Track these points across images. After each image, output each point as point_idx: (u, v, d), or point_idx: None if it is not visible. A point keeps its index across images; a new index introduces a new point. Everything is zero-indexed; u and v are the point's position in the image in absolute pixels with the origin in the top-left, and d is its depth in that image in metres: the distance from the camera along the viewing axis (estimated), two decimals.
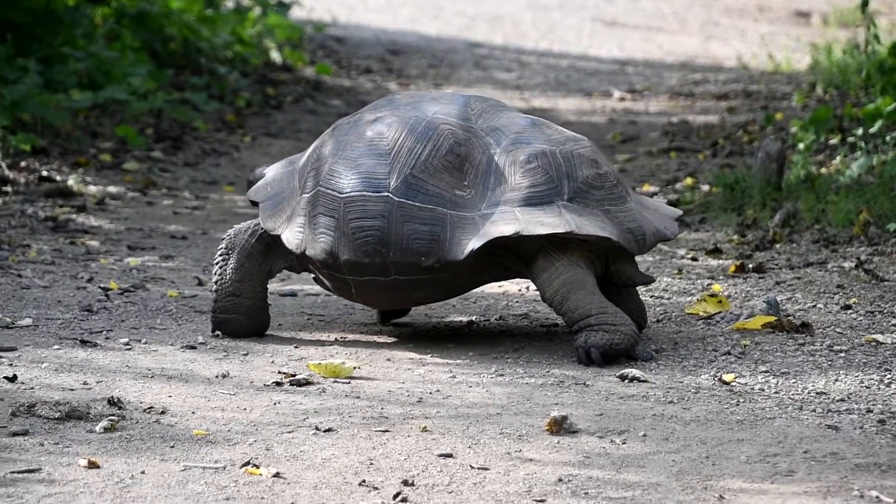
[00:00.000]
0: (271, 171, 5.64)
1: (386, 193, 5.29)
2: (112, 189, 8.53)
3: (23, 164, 8.64)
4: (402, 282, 5.32)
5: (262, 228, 5.52)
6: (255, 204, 5.64)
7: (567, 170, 5.31)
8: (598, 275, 5.36)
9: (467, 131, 5.36)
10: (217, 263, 5.56)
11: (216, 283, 5.55)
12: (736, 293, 6.22)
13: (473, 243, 5.21)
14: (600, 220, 5.28)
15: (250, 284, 5.53)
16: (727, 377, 5.05)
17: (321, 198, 5.38)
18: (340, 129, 5.47)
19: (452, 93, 5.54)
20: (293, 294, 6.33)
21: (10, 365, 5.11)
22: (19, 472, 4.10)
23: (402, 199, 5.28)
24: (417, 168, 5.30)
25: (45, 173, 8.54)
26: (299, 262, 5.52)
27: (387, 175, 5.31)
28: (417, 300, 5.45)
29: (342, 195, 5.33)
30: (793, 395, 4.89)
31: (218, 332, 5.57)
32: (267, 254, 5.55)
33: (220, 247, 5.58)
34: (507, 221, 5.22)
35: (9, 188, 8.14)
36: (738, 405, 4.78)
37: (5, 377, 4.92)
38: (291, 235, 5.42)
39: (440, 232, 5.25)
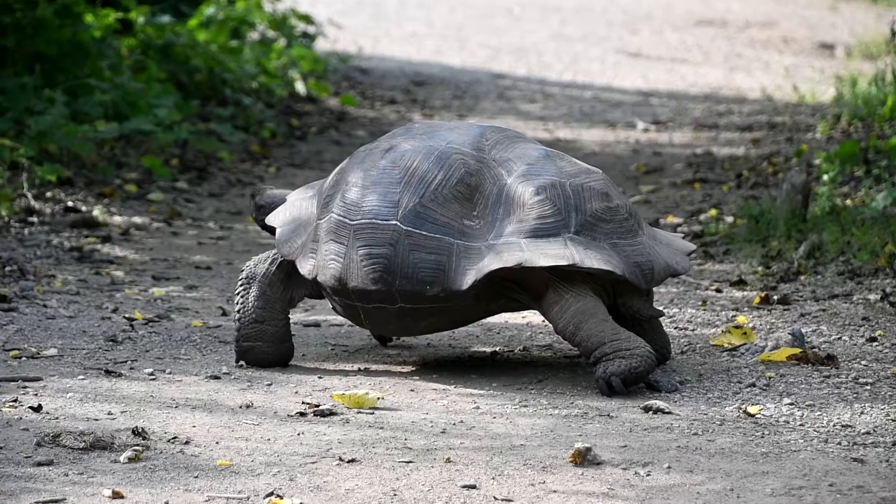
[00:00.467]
0: (291, 197, 5.69)
1: (394, 222, 5.32)
2: (137, 219, 8.55)
3: (48, 194, 8.68)
4: (408, 310, 5.34)
5: (280, 256, 5.55)
6: (267, 229, 5.69)
7: (576, 202, 5.32)
8: (606, 306, 5.34)
9: (479, 161, 5.38)
10: (238, 293, 5.58)
11: (238, 311, 5.57)
12: (761, 325, 6.21)
13: (476, 274, 5.23)
14: (606, 253, 5.27)
15: (273, 311, 5.55)
16: (752, 409, 5.03)
17: (333, 224, 5.41)
18: (356, 157, 5.51)
19: (471, 123, 5.56)
20: (317, 325, 6.34)
21: (36, 395, 5.12)
22: (44, 502, 4.10)
23: (409, 228, 5.31)
24: (427, 197, 5.32)
25: (70, 204, 8.57)
26: (314, 289, 5.56)
27: (396, 203, 5.33)
28: (425, 329, 5.47)
29: (352, 222, 5.37)
30: (818, 427, 4.87)
31: (242, 363, 5.58)
32: (287, 281, 5.58)
33: (240, 276, 5.61)
34: (511, 252, 5.23)
35: (35, 218, 8.18)
36: (762, 437, 4.77)
37: (31, 407, 4.93)
38: (305, 261, 5.47)
39: (446, 261, 5.28)
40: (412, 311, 5.34)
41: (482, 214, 5.32)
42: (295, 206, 5.62)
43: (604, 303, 5.33)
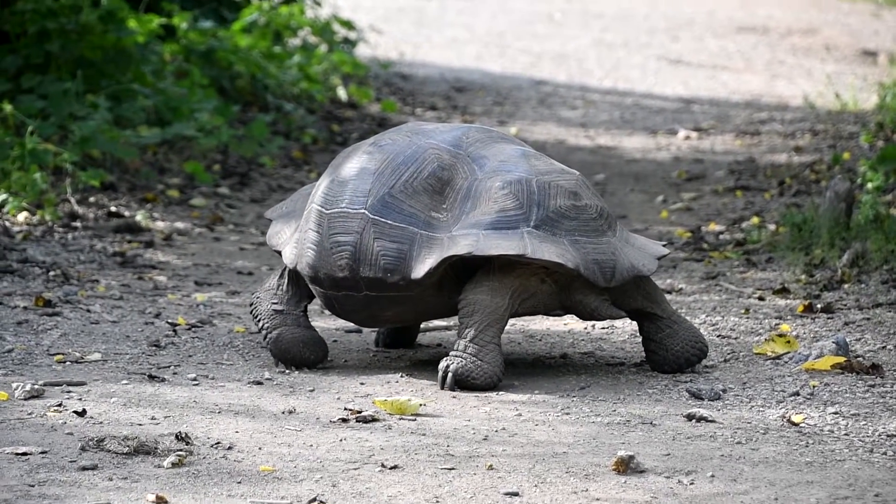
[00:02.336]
0: (293, 195, 5.89)
1: (363, 210, 5.46)
2: (179, 225, 8.59)
3: (92, 199, 8.72)
4: (373, 298, 5.47)
5: (270, 246, 5.74)
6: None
7: (539, 198, 5.40)
8: (555, 305, 5.45)
9: (454, 157, 5.49)
10: (252, 305, 5.76)
11: (256, 316, 5.72)
12: (804, 333, 6.18)
13: (432, 262, 5.33)
14: (563, 248, 5.35)
15: (289, 305, 5.71)
16: (796, 418, 5.00)
17: (313, 214, 5.58)
18: (345, 152, 5.67)
19: (459, 124, 5.69)
20: (359, 330, 6.34)
21: (80, 399, 5.14)
22: None
23: (375, 217, 5.44)
24: (397, 188, 5.45)
25: (113, 209, 8.61)
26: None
27: (367, 193, 5.48)
28: (391, 318, 5.57)
29: (328, 212, 5.53)
30: (863, 437, 4.84)
31: (281, 366, 5.66)
32: (293, 288, 5.73)
33: (250, 302, 5.78)
34: (467, 242, 5.34)
35: (78, 223, 8.22)
36: (807, 446, 4.74)
37: (75, 411, 4.96)
38: (289, 250, 5.65)
39: (408, 250, 5.39)
40: (377, 298, 5.46)
41: (451, 208, 5.42)
42: (292, 200, 5.83)
43: (556, 301, 5.41)
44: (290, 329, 5.67)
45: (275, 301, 5.71)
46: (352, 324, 6.38)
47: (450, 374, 5.34)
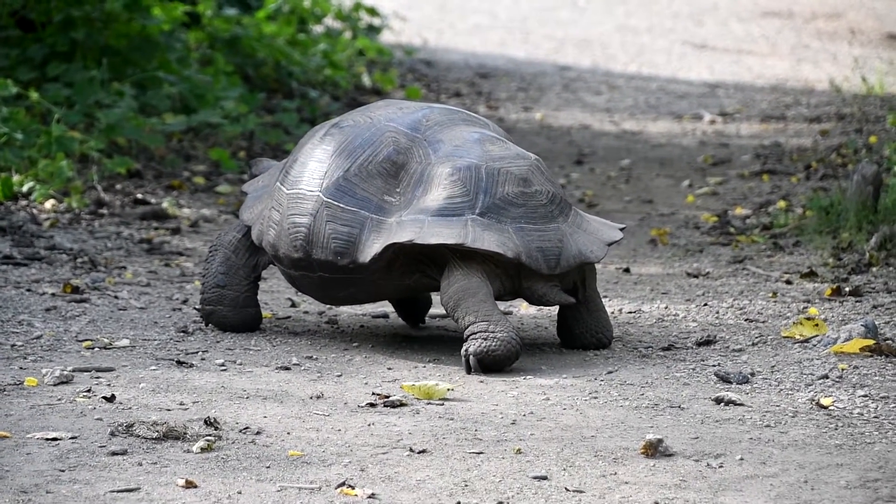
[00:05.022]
0: (270, 168, 5.94)
1: (318, 192, 5.53)
2: (206, 212, 8.60)
3: (118, 186, 8.74)
4: (326, 279, 5.55)
5: (241, 221, 5.83)
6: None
7: (487, 185, 5.43)
8: (508, 291, 5.48)
9: (411, 140, 5.53)
10: (206, 260, 5.87)
11: (203, 276, 5.86)
12: (832, 316, 6.16)
13: (377, 248, 5.39)
14: (506, 236, 5.38)
15: (235, 277, 5.82)
16: (825, 401, 4.99)
17: (276, 193, 5.67)
18: (312, 131, 5.73)
19: (423, 104, 5.69)
20: (385, 316, 6.35)
21: (109, 385, 5.16)
22: (119, 492, 4.13)
23: (329, 200, 5.50)
24: (352, 171, 5.51)
25: (139, 196, 8.63)
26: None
27: (323, 175, 5.54)
28: (346, 299, 5.66)
29: (288, 192, 5.61)
30: (893, 419, 4.83)
31: (209, 325, 5.85)
32: (253, 248, 5.82)
33: (210, 244, 5.90)
34: (411, 229, 5.38)
35: (105, 211, 8.24)
36: (836, 429, 4.73)
37: (104, 397, 4.97)
38: (255, 227, 5.74)
39: (357, 234, 5.46)
40: (330, 280, 5.54)
41: (404, 192, 5.47)
42: (266, 176, 5.88)
43: (503, 286, 5.45)
44: (225, 311, 5.82)
45: (222, 269, 5.80)
46: (378, 309, 6.39)
47: (471, 357, 5.36)
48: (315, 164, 5.57)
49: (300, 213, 5.54)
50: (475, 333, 5.35)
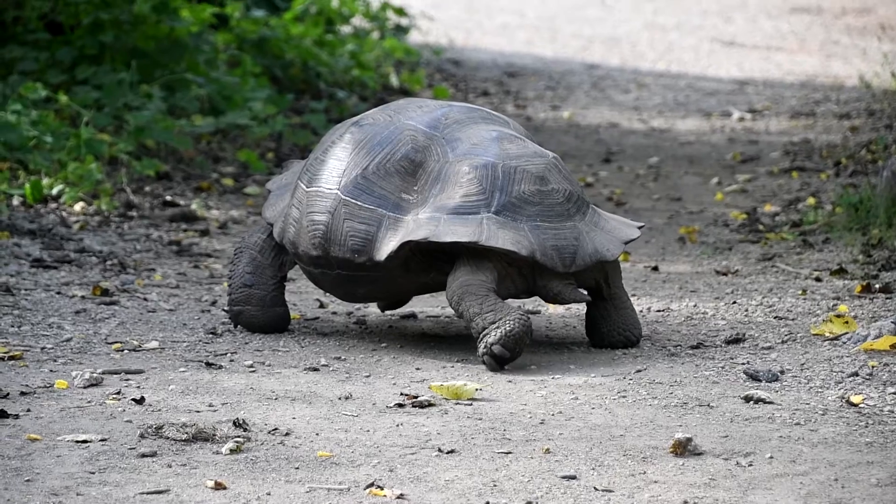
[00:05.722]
0: (294, 167, 5.99)
1: (336, 190, 5.56)
2: (234, 213, 8.62)
3: (147, 188, 8.77)
4: (345, 276, 5.58)
5: (263, 219, 5.86)
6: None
7: (503, 183, 5.45)
8: (522, 289, 5.49)
9: (429, 139, 5.55)
10: (232, 261, 5.91)
11: (230, 276, 5.88)
12: (862, 314, 6.13)
13: (394, 245, 5.42)
14: (521, 234, 5.39)
15: (262, 277, 5.85)
16: (855, 399, 4.97)
17: (296, 191, 5.71)
18: (332, 130, 5.77)
19: (443, 102, 5.71)
20: (413, 316, 6.35)
21: (138, 387, 5.18)
22: (149, 493, 4.15)
23: (347, 198, 5.54)
24: (370, 170, 5.53)
25: (168, 198, 8.66)
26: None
27: (342, 174, 5.57)
28: (365, 296, 5.69)
29: (308, 189, 5.65)
30: None
31: (238, 325, 5.87)
32: (278, 248, 5.85)
33: (236, 246, 5.94)
34: (427, 227, 5.41)
35: (134, 213, 8.27)
36: (866, 427, 4.71)
37: (133, 399, 4.99)
38: (277, 225, 5.78)
39: (374, 232, 5.48)
40: (348, 277, 5.57)
41: (422, 190, 5.49)
42: (291, 173, 5.92)
43: (518, 285, 5.47)
44: (253, 310, 5.84)
45: (249, 269, 5.83)
46: (406, 310, 6.40)
47: (486, 356, 5.36)
48: (334, 162, 5.61)
49: (319, 210, 5.58)
50: (486, 328, 5.36)
